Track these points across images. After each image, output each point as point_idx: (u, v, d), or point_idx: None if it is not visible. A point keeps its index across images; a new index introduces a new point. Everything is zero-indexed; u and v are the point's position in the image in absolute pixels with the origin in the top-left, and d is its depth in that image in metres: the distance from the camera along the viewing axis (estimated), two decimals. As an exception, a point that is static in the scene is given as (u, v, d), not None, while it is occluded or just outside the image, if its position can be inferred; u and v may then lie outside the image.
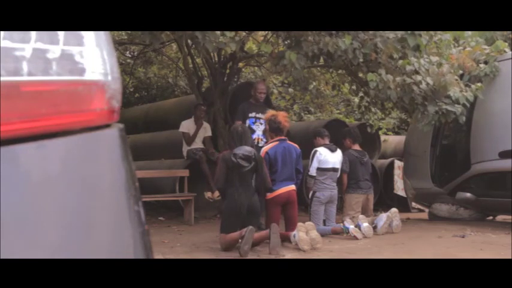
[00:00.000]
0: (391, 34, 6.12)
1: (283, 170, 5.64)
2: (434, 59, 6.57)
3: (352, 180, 6.83)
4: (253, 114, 6.87)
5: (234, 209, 5.13)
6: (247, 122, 6.83)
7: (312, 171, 6.31)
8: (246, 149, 5.20)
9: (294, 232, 5.28)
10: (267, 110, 6.84)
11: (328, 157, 6.37)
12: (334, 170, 6.41)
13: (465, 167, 7.29)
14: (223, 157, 5.29)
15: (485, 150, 7.00)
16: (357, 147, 7.09)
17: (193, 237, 6.00)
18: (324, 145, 6.48)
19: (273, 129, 5.72)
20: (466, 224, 6.99)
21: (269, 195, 5.61)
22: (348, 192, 6.82)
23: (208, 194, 7.39)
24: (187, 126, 7.75)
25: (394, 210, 6.45)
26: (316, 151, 6.40)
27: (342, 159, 6.61)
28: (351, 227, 5.95)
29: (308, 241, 5.14)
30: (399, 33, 6.15)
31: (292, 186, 5.72)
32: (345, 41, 5.83)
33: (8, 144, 0.68)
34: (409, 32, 6.09)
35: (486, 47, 7.33)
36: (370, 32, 6.13)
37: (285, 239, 5.48)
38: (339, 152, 6.54)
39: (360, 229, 5.95)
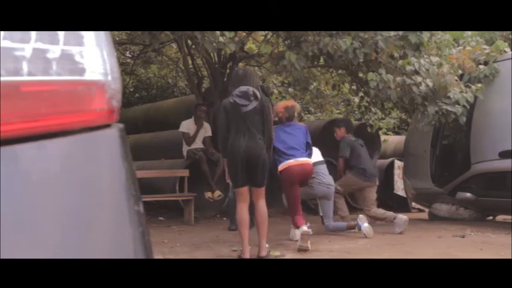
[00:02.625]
0: (392, 32, 6.11)
1: (289, 140, 5.45)
2: (435, 59, 6.56)
3: (359, 165, 6.57)
4: None
5: (231, 159, 4.53)
6: None
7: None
8: (243, 88, 4.54)
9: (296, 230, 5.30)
10: None
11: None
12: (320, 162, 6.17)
13: (465, 167, 7.28)
14: (222, 103, 4.71)
15: (485, 150, 7.00)
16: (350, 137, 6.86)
17: (193, 237, 6.00)
18: None
19: (275, 123, 5.38)
20: (466, 224, 6.99)
21: (280, 167, 5.35)
22: (349, 172, 6.62)
23: (208, 194, 7.39)
24: (187, 126, 7.76)
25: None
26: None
27: (341, 146, 6.59)
28: (365, 225, 5.92)
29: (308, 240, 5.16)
30: (400, 32, 6.15)
31: (307, 160, 5.46)
32: (345, 41, 5.83)
33: (8, 144, 0.68)
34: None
35: (486, 47, 7.32)
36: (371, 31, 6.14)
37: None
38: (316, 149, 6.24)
39: (360, 229, 5.95)
